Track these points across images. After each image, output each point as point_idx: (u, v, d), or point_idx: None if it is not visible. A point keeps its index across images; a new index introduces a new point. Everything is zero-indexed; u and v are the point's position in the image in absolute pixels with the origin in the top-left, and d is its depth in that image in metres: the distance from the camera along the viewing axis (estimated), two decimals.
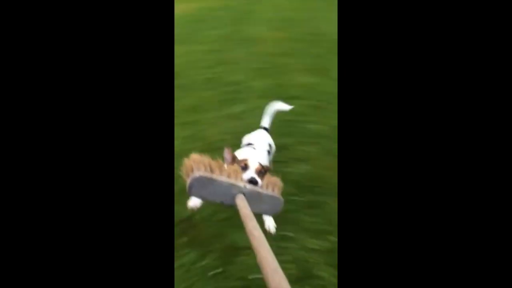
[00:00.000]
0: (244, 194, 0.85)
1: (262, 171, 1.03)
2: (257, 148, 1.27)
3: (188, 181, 0.82)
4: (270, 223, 1.10)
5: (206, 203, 1.02)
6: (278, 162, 1.57)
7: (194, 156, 0.86)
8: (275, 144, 1.48)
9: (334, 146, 1.71)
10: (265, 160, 1.18)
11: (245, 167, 1.02)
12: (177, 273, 1.04)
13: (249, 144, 1.31)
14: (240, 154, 1.13)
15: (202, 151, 0.92)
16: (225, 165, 0.92)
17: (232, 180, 0.85)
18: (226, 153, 1.06)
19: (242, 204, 0.79)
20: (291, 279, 0.47)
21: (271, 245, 0.57)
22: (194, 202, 1.05)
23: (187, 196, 0.95)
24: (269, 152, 1.36)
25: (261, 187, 0.94)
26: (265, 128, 1.51)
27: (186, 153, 0.88)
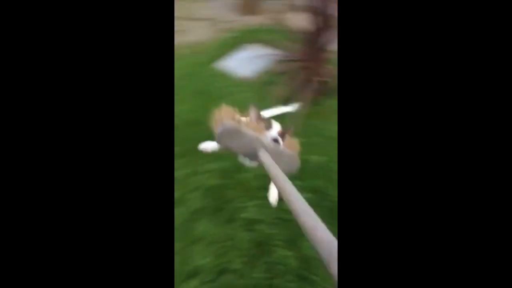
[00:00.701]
0: (266, 150, 0.91)
1: (283, 133, 1.09)
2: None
3: (218, 130, 0.88)
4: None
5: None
6: None
7: (225, 107, 0.92)
8: None
9: None
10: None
11: (268, 127, 1.08)
12: None
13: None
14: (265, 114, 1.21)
15: None
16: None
17: (257, 135, 0.91)
18: (252, 112, 1.11)
19: (266, 157, 0.86)
20: None
21: None
22: (206, 145, 1.09)
23: None
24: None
25: (282, 147, 1.00)
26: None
27: None
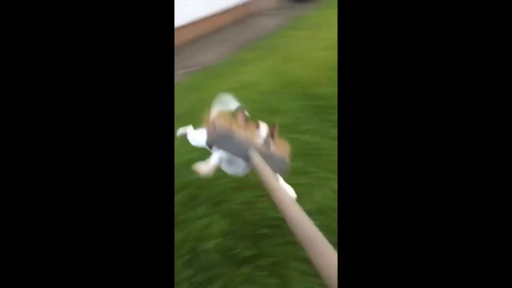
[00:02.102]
0: (257, 152, 0.92)
1: (272, 133, 1.10)
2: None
3: (211, 133, 0.89)
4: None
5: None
6: None
7: (217, 111, 0.93)
8: None
9: None
10: None
11: (257, 127, 1.09)
12: None
13: None
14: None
15: None
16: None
17: (249, 137, 0.93)
18: (240, 114, 1.11)
19: (257, 158, 0.87)
20: None
21: None
22: (207, 168, 1.05)
23: None
24: None
25: (272, 148, 1.01)
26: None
27: None
